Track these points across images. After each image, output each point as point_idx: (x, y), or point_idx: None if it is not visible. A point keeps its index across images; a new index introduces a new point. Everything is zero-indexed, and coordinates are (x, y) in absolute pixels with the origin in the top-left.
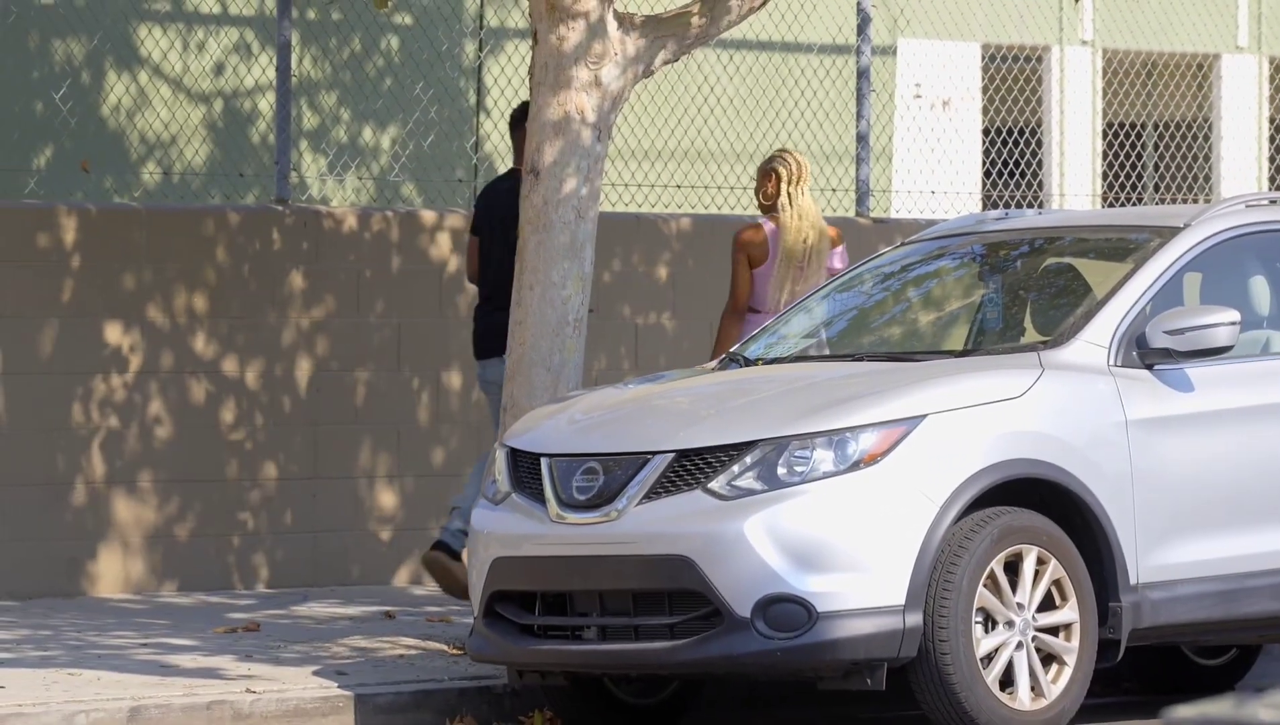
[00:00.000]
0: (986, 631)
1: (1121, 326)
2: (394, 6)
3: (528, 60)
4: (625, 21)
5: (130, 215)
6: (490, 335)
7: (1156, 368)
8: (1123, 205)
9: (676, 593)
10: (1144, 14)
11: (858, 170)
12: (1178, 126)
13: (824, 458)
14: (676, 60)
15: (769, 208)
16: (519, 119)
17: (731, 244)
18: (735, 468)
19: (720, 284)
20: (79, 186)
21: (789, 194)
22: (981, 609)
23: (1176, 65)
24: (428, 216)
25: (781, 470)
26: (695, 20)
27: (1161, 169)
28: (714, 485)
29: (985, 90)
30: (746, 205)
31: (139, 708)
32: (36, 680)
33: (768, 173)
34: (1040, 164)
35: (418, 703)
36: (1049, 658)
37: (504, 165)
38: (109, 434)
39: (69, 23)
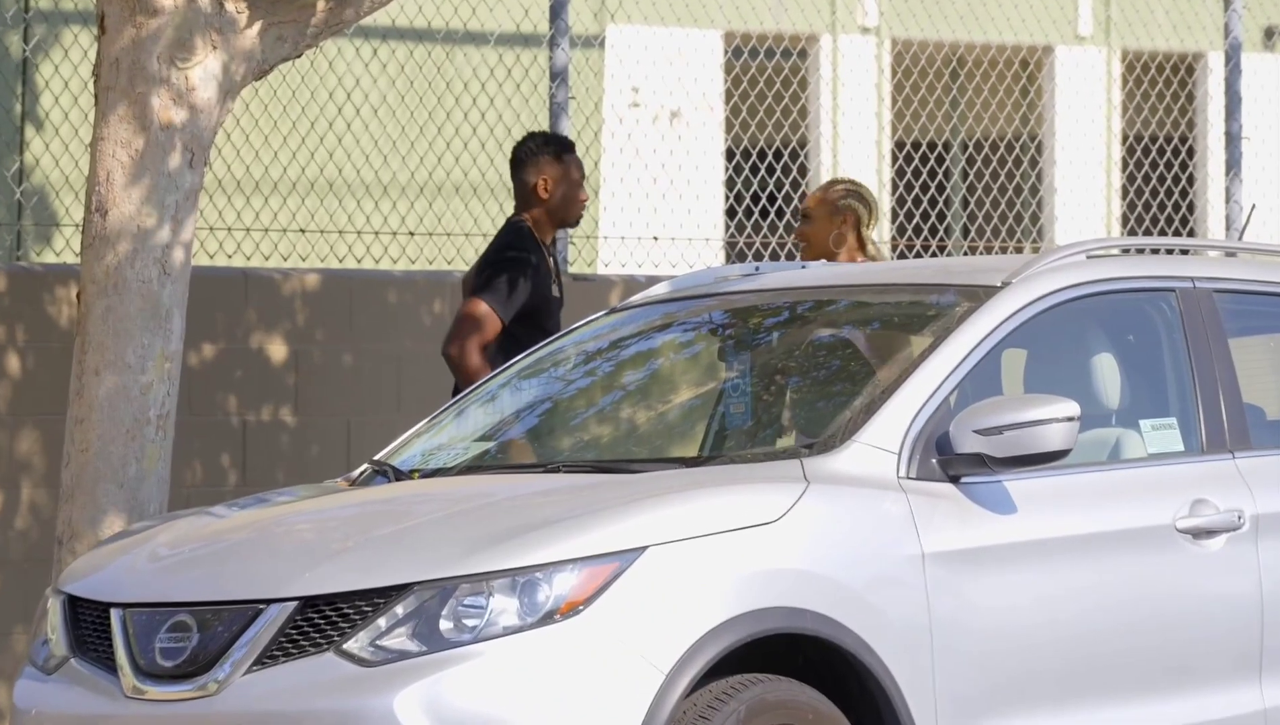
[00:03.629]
0: None
1: (916, 424)
2: None
3: (92, 55)
4: (228, 4)
5: None
6: None
7: (965, 481)
8: (920, 255)
9: None
10: None
11: None
12: (994, 145)
13: (505, 607)
14: (300, 55)
15: (829, 254)
16: (523, 158)
17: None
18: (382, 621)
19: (367, 362)
20: None
21: (870, 240)
22: None
23: (993, 61)
24: None
25: (446, 625)
26: (323, 2)
27: (972, 203)
28: (352, 646)
29: (730, 96)
30: (397, 256)
31: None
32: None
33: (840, 211)
34: (805, 197)
35: None
36: None
37: (59, 199)
38: None
39: None
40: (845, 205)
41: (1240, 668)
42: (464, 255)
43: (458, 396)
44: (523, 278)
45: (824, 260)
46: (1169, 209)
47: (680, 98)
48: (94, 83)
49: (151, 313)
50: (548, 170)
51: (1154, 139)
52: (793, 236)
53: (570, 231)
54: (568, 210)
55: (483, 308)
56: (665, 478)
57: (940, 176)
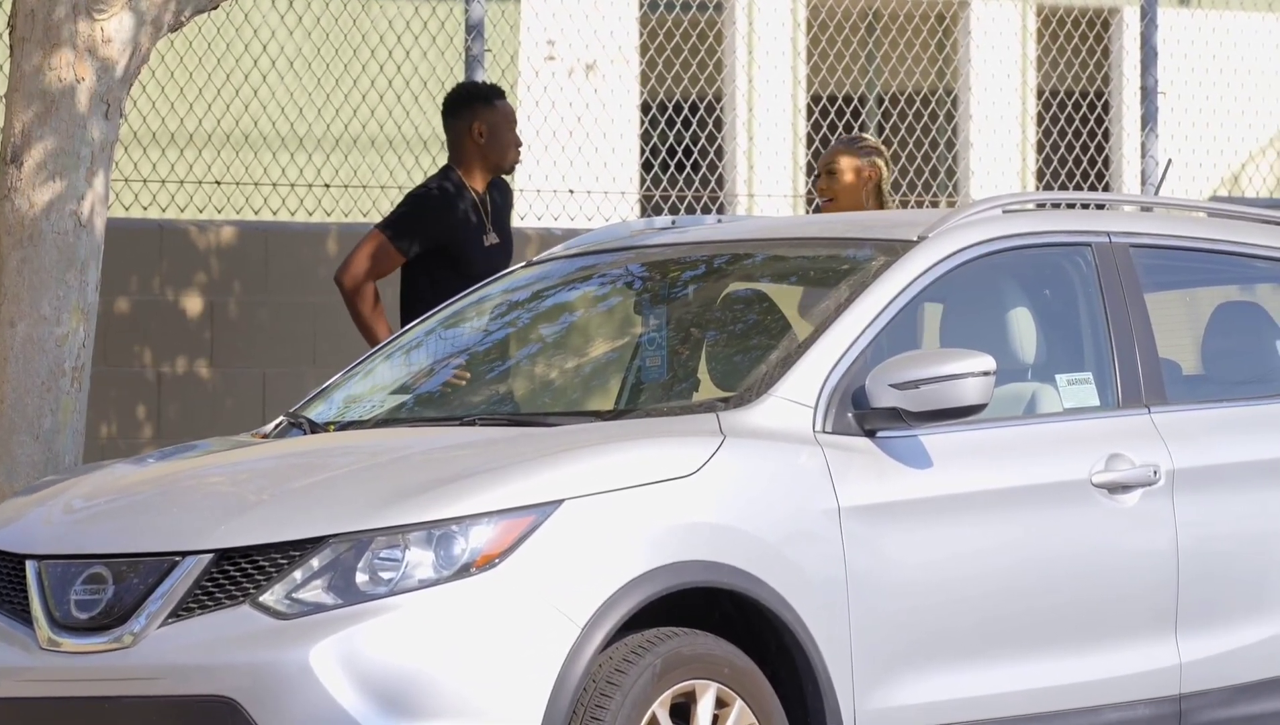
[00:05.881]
0: None
1: (832, 378)
2: None
3: (7, 6)
4: None
5: None
6: None
7: (881, 435)
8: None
9: None
10: None
11: None
12: (910, 99)
13: (420, 560)
14: (215, 7)
15: (857, 209)
16: (455, 104)
17: None
18: (297, 574)
19: (283, 315)
20: None
21: (889, 197)
22: None
23: (909, 16)
24: None
25: (361, 577)
26: None
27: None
28: (268, 598)
29: (645, 50)
30: (313, 208)
31: None
32: None
33: (867, 167)
34: (721, 151)
35: None
36: None
37: None
38: None
39: None
40: (871, 161)
41: (1157, 622)
42: (379, 207)
43: (373, 349)
44: (429, 215)
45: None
46: (1084, 164)
47: (596, 51)
48: (8, 34)
49: (67, 264)
50: (480, 116)
51: (1069, 94)
52: (817, 189)
53: None
54: (502, 155)
55: (377, 238)
56: (581, 431)
57: (856, 130)
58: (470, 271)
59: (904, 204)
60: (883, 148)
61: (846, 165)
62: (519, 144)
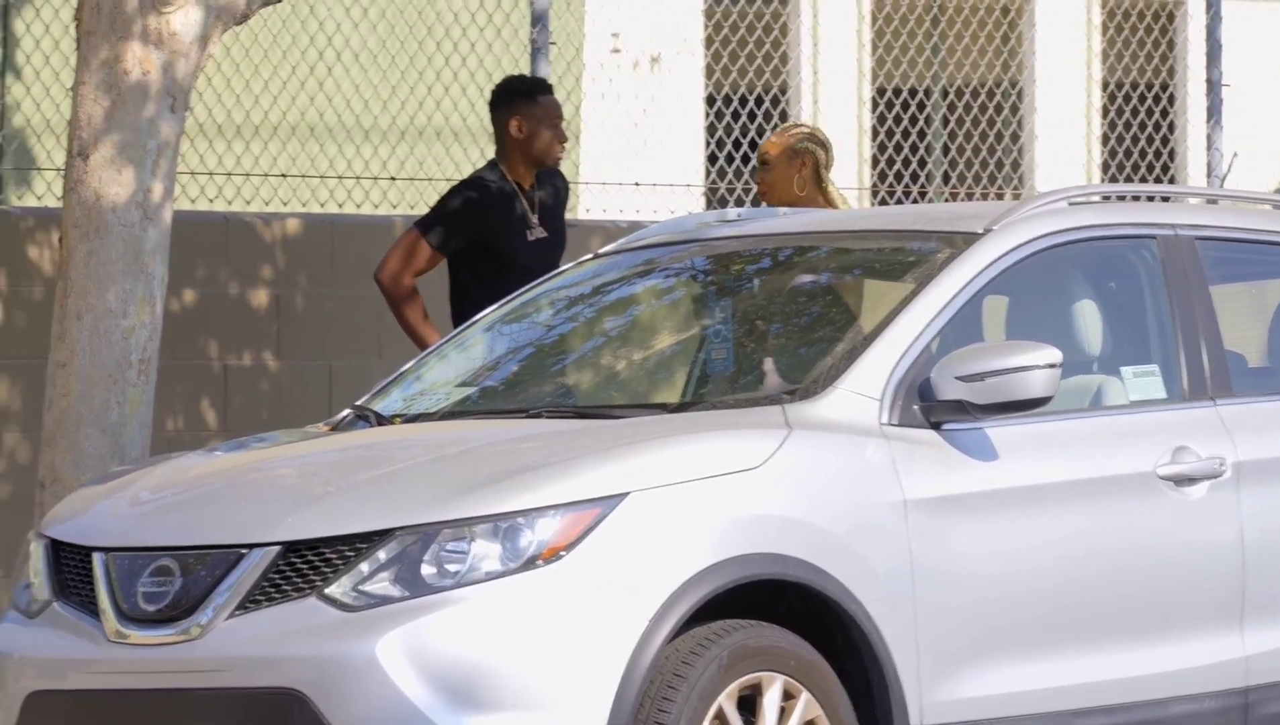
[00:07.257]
0: None
1: (898, 371)
2: None
3: (74, 1)
4: None
5: None
6: None
7: (947, 427)
8: (901, 202)
9: None
10: None
11: None
12: (975, 91)
13: (487, 552)
14: (280, 0)
15: (793, 200)
16: (497, 98)
17: None
18: (364, 566)
19: (349, 307)
20: None
21: (829, 181)
22: None
23: (974, 8)
24: None
25: (428, 570)
26: None
27: (953, 150)
28: (334, 590)
29: (710, 42)
30: (378, 201)
31: None
32: None
33: (799, 154)
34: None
35: None
36: None
37: (40, 143)
38: None
39: None
40: (803, 148)
41: (1222, 615)
42: None
43: (440, 342)
44: (465, 211)
45: (787, 206)
46: (1149, 156)
47: (661, 43)
48: (75, 27)
49: (134, 257)
50: (519, 111)
51: (1134, 86)
52: (756, 184)
53: None
54: (543, 151)
55: (412, 236)
56: (647, 423)
57: (921, 123)
58: (514, 265)
59: (969, 196)
60: (818, 133)
61: (778, 156)
62: (563, 139)
